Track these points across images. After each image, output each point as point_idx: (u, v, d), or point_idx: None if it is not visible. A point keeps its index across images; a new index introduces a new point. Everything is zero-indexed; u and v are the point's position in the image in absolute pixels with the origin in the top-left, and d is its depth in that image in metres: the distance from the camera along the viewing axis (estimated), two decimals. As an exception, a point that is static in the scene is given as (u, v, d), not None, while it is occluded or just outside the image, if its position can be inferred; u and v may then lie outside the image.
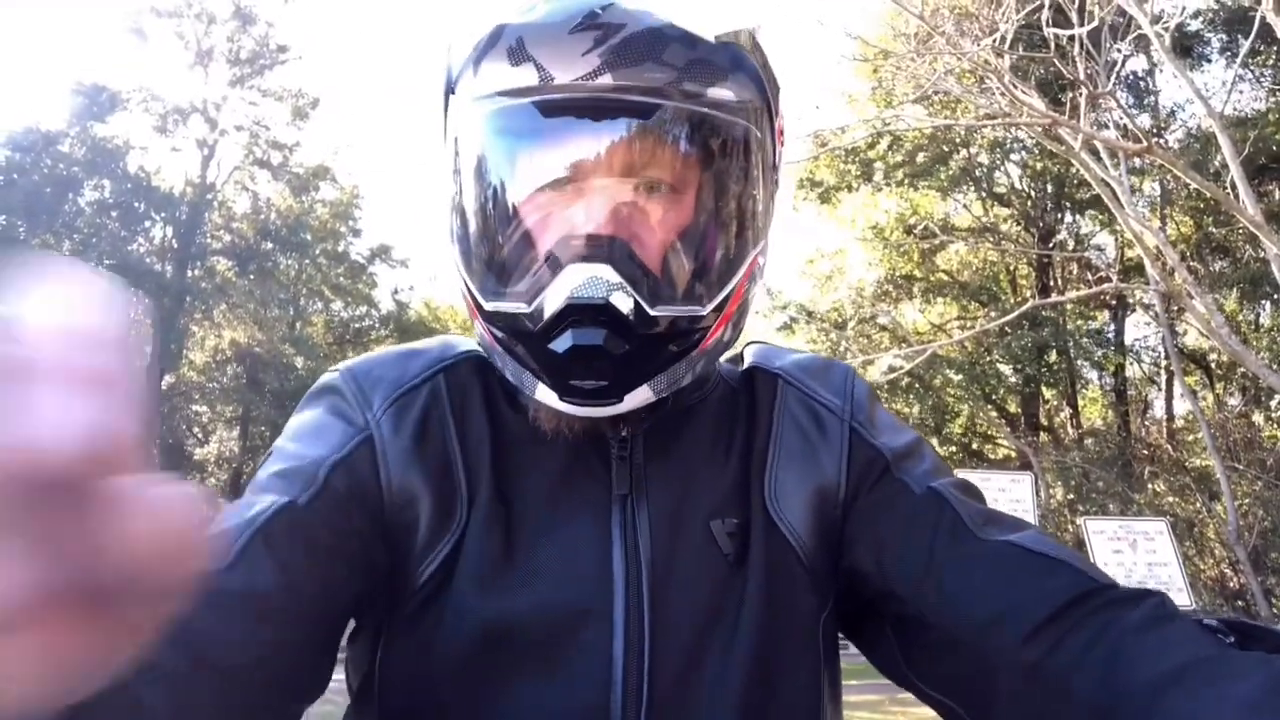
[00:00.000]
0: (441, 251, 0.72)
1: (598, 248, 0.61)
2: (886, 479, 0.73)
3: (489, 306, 0.65)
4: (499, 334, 0.66)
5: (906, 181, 16.53)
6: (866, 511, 0.72)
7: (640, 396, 0.64)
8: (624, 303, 0.60)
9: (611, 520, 0.67)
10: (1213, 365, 17.16)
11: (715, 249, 0.66)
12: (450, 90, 0.68)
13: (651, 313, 0.61)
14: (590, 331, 0.60)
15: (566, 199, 0.64)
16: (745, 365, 0.81)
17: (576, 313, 0.60)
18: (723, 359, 0.78)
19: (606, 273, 0.60)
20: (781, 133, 0.72)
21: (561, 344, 0.61)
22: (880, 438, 0.75)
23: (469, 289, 0.67)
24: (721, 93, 0.63)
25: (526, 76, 0.61)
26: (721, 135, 0.65)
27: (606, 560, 0.66)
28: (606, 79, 0.60)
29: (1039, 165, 16.45)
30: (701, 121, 0.63)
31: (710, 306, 0.64)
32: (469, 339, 0.77)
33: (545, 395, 0.64)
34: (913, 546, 0.68)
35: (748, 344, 0.85)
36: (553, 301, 0.60)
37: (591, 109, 0.61)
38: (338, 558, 0.62)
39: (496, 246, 0.66)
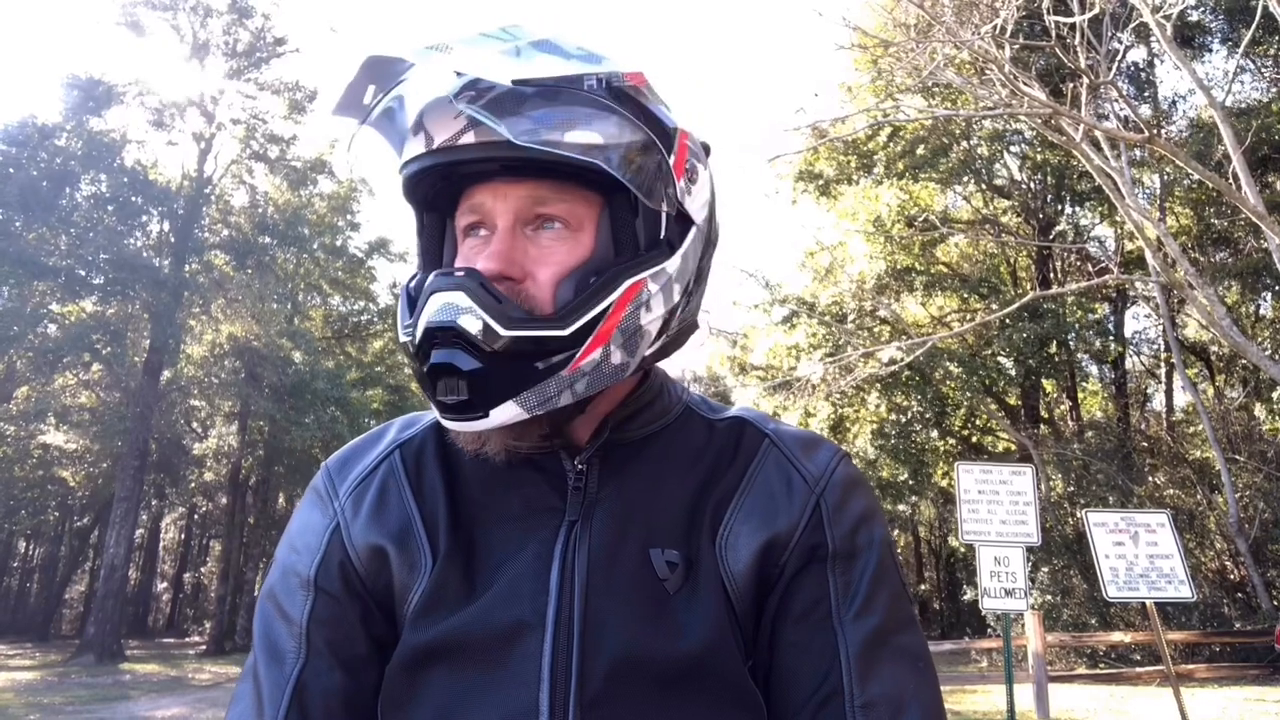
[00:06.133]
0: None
1: (451, 278, 0.69)
2: (817, 574, 0.75)
3: (402, 339, 0.74)
4: (411, 364, 0.74)
5: (906, 174, 16.47)
6: (783, 600, 0.75)
7: (508, 413, 0.70)
8: (472, 324, 0.67)
9: (556, 544, 0.73)
10: (1213, 357, 17.14)
11: (579, 276, 0.72)
12: None
13: (501, 332, 0.67)
14: (444, 352, 0.68)
15: (459, 242, 0.76)
16: (738, 419, 0.86)
17: (434, 336, 0.68)
18: (720, 406, 0.88)
19: (458, 298, 0.68)
20: (684, 171, 0.77)
21: (427, 365, 0.69)
22: (836, 528, 0.77)
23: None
24: (582, 136, 0.69)
25: (419, 145, 0.72)
26: (582, 175, 0.71)
27: (545, 578, 0.72)
28: (469, 137, 0.69)
29: (1039, 157, 16.39)
30: (559, 164, 0.69)
31: (571, 328, 0.69)
32: (432, 412, 0.85)
33: (437, 413, 0.73)
34: (788, 680, 0.73)
35: (745, 408, 0.90)
36: (420, 327, 0.69)
37: (457, 164, 0.71)
38: (357, 662, 0.75)
39: (407, 290, 0.77)
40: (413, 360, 0.72)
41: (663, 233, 0.75)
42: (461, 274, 0.69)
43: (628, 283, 0.72)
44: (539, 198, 0.72)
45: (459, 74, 0.69)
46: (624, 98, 0.73)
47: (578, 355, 0.70)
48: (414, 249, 0.83)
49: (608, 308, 0.71)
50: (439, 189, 0.76)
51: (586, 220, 0.74)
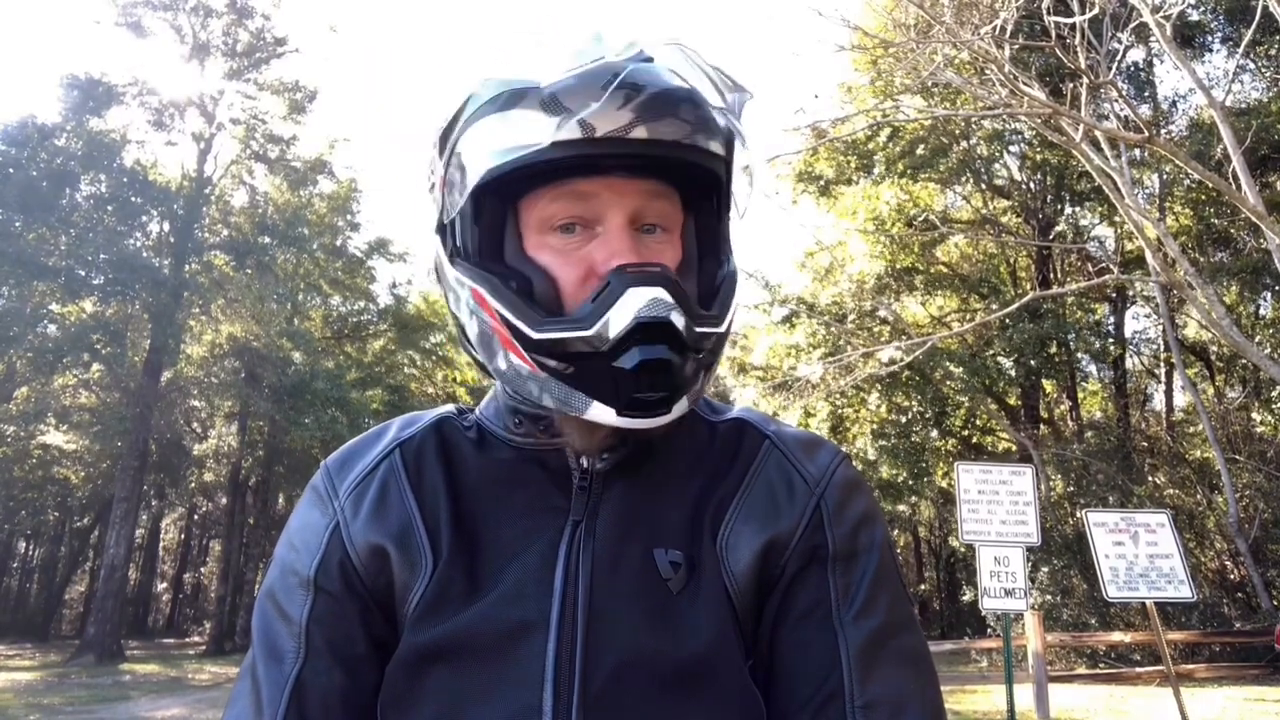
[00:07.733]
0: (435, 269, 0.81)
1: (653, 273, 0.68)
2: (817, 575, 0.75)
3: (538, 335, 0.69)
4: (547, 361, 0.70)
5: (906, 174, 16.46)
6: (783, 600, 0.75)
7: (681, 407, 0.72)
8: (679, 320, 0.68)
9: (561, 543, 0.73)
10: (1213, 357, 17.14)
11: (719, 277, 0.77)
12: (448, 136, 0.73)
13: (695, 329, 0.70)
14: (656, 348, 0.67)
15: (600, 237, 0.72)
16: (739, 421, 0.87)
17: (643, 331, 0.67)
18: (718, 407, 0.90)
19: (663, 294, 0.67)
20: (750, 173, 0.81)
21: (629, 360, 0.67)
22: (837, 529, 0.77)
23: (509, 322, 0.71)
24: (718, 147, 0.73)
25: (570, 130, 0.66)
26: (722, 183, 0.76)
27: (549, 578, 0.72)
28: (641, 132, 0.67)
29: (1039, 157, 16.39)
30: (709, 171, 0.73)
31: (725, 325, 0.75)
32: (432, 410, 0.88)
33: (599, 413, 0.70)
34: (788, 681, 0.73)
35: (745, 409, 0.91)
36: (618, 322, 0.67)
37: (631, 158, 0.69)
38: (356, 662, 0.74)
39: (544, 280, 0.72)
40: (575, 357, 0.69)
41: (730, 238, 0.81)
42: (658, 269, 0.69)
43: (739, 282, 0.78)
44: (651, 196, 0.73)
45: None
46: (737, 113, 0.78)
47: (721, 351, 0.76)
48: (441, 236, 0.76)
49: (736, 307, 0.77)
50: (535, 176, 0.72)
51: (677, 224, 0.77)
